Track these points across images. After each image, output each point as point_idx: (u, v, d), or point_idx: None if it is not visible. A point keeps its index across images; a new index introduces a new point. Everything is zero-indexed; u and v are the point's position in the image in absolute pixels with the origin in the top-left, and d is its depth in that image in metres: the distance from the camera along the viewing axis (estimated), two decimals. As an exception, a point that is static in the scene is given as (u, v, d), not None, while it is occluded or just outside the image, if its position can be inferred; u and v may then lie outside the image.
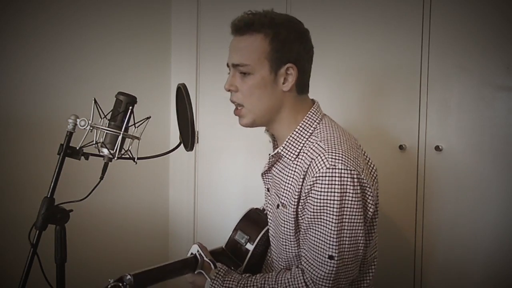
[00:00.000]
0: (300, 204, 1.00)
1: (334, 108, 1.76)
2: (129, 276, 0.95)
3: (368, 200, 0.97)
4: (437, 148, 1.58)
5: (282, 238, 1.07)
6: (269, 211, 1.15)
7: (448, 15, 1.56)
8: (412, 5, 1.60)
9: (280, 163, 1.10)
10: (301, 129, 1.04)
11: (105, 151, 0.92)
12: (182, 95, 1.02)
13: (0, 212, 1.48)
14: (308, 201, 0.97)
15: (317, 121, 1.06)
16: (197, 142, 2.12)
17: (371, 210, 0.98)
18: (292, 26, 1.04)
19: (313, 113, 1.07)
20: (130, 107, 0.93)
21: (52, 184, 0.89)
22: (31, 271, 0.87)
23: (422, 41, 1.60)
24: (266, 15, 1.02)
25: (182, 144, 1.08)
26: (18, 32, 1.52)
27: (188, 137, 1.02)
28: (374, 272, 1.10)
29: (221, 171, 2.09)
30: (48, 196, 0.89)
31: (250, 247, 1.16)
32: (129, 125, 0.94)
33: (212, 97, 2.06)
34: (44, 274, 0.90)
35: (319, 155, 0.96)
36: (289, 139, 1.04)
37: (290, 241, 1.05)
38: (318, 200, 0.93)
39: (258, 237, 1.17)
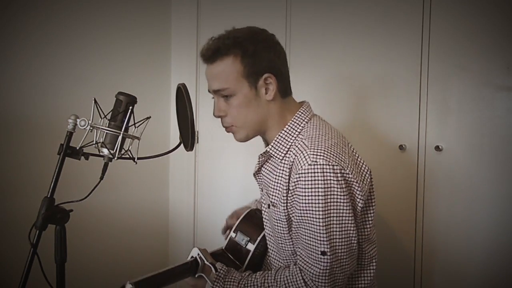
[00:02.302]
0: (288, 202, 1.01)
1: (334, 109, 1.76)
2: (130, 286, 0.95)
3: (356, 195, 0.98)
4: (437, 148, 1.58)
5: (278, 237, 1.08)
6: (264, 211, 1.15)
7: (448, 15, 1.56)
8: (412, 5, 1.60)
9: (270, 163, 1.11)
10: (289, 128, 1.06)
11: (105, 151, 0.92)
12: (182, 95, 1.02)
13: (0, 212, 1.48)
14: (295, 199, 0.98)
15: (305, 120, 1.07)
16: (197, 142, 2.12)
17: (359, 204, 0.99)
18: (255, 38, 1.05)
19: (302, 113, 1.08)
20: (130, 107, 0.93)
21: (52, 184, 0.89)
22: (31, 271, 0.87)
23: (422, 41, 1.60)
24: (229, 37, 1.04)
25: (182, 144, 1.08)
26: (18, 32, 1.52)
27: (188, 137, 1.02)
28: (375, 269, 1.10)
29: (221, 171, 2.09)
30: (48, 196, 0.89)
31: (250, 248, 1.16)
32: (129, 125, 0.94)
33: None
34: (44, 274, 0.90)
35: (302, 152, 0.97)
36: (277, 138, 1.06)
37: (285, 239, 1.06)
38: (304, 197, 0.95)
39: (259, 238, 1.17)
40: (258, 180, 1.18)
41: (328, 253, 0.94)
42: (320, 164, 0.93)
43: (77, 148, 0.91)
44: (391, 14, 1.65)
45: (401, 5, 1.63)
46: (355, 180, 0.97)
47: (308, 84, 1.80)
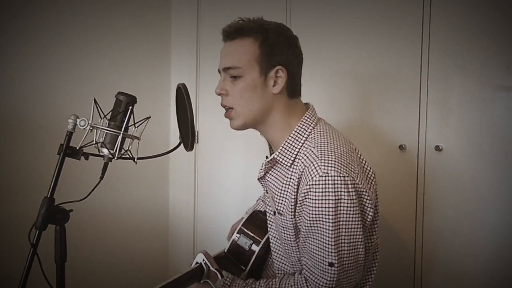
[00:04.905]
0: (296, 211, 1.00)
1: (334, 109, 1.77)
2: None
3: (366, 205, 0.97)
4: (437, 148, 1.58)
5: (285, 243, 1.08)
6: (269, 214, 1.15)
7: (448, 15, 1.56)
8: (412, 5, 1.60)
9: (275, 169, 1.09)
10: (296, 134, 1.04)
11: (105, 151, 0.92)
12: (182, 95, 1.02)
13: (0, 212, 1.48)
14: (304, 209, 0.97)
15: (312, 125, 1.06)
16: (197, 142, 2.12)
17: (370, 214, 0.98)
18: (281, 31, 1.05)
19: (308, 117, 1.06)
20: (130, 107, 0.93)
21: (52, 184, 0.89)
22: (31, 271, 0.87)
23: (422, 41, 1.60)
24: (256, 21, 1.05)
25: (182, 144, 1.08)
26: (18, 32, 1.52)
27: (188, 137, 1.02)
28: (376, 273, 1.10)
29: (221, 171, 2.09)
30: (48, 196, 0.89)
31: (254, 250, 1.16)
32: (129, 125, 0.94)
33: (212, 97, 2.05)
34: (44, 274, 0.90)
35: (312, 162, 0.96)
36: (284, 144, 1.04)
37: (292, 246, 1.06)
38: (314, 208, 0.93)
39: (262, 241, 1.16)
40: (263, 183, 1.16)
41: (336, 265, 0.93)
42: (331, 176, 0.92)
43: (77, 148, 0.91)
44: (391, 14, 1.65)
45: (401, 5, 1.63)
46: (364, 190, 0.96)
47: (307, 84, 1.79)
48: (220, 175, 2.09)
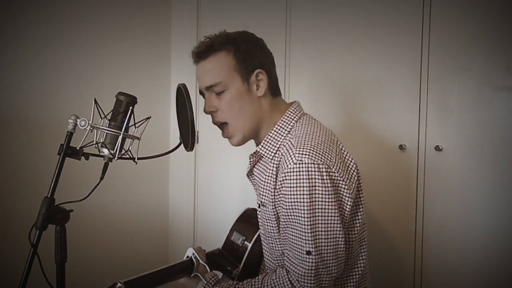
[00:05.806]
0: (276, 201, 1.01)
1: (334, 108, 1.77)
2: (119, 284, 0.95)
3: (344, 194, 0.97)
4: (437, 148, 1.59)
5: (268, 237, 1.09)
6: (258, 210, 1.15)
7: (448, 15, 1.56)
8: (412, 5, 1.60)
9: (261, 163, 1.12)
10: (279, 127, 1.07)
11: (105, 151, 0.92)
12: (182, 95, 1.03)
13: (0, 212, 1.48)
14: (281, 198, 0.98)
15: (295, 119, 1.08)
16: (197, 142, 2.12)
17: (348, 204, 0.98)
18: (247, 37, 1.10)
19: (291, 112, 1.09)
20: (130, 107, 0.93)
21: (52, 184, 0.89)
22: (31, 271, 0.87)
23: (422, 41, 1.60)
24: (222, 35, 1.08)
25: (182, 144, 1.08)
26: (18, 32, 1.52)
27: (188, 137, 1.02)
28: (362, 270, 1.08)
29: (221, 171, 2.09)
30: (48, 196, 0.89)
31: (247, 247, 1.16)
32: (129, 125, 0.94)
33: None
34: (44, 274, 0.90)
35: (288, 151, 0.98)
36: (267, 137, 1.07)
37: (275, 239, 1.06)
38: (289, 196, 0.95)
39: (254, 237, 1.17)
40: (252, 180, 1.18)
41: (313, 253, 0.93)
42: (305, 163, 0.93)
43: (77, 148, 0.91)
44: (391, 14, 1.65)
45: (401, 5, 1.63)
46: (341, 179, 0.96)
47: (308, 84, 1.80)
48: (220, 175, 2.09)
